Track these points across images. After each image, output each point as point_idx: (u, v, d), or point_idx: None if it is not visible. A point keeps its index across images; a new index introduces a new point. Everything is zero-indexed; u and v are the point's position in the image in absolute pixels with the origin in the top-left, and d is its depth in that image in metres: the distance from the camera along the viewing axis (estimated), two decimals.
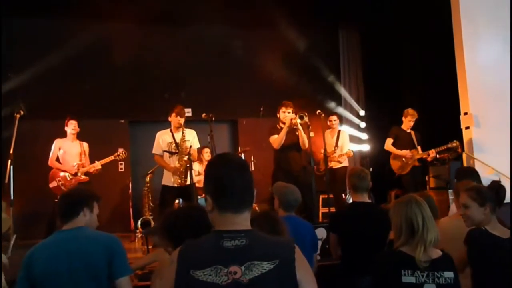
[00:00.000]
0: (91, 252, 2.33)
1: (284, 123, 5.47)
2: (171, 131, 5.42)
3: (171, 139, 5.35)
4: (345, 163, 6.69)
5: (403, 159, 6.31)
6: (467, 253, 2.52)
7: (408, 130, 6.42)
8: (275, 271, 1.40)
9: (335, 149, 6.69)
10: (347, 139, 6.85)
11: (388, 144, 6.43)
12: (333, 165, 6.57)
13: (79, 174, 5.89)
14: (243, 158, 1.49)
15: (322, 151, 5.79)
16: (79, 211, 2.47)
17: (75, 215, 2.46)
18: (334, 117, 6.91)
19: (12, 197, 5.00)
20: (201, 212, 2.12)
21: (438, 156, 6.50)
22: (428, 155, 6.15)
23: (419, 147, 6.35)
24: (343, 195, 6.63)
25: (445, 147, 6.10)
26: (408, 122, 6.37)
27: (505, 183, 5.69)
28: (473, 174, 3.81)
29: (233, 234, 1.44)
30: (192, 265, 1.39)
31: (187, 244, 1.48)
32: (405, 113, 6.42)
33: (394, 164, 6.41)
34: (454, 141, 6.03)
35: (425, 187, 6.50)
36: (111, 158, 6.04)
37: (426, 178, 6.70)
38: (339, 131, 6.90)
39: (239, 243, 1.43)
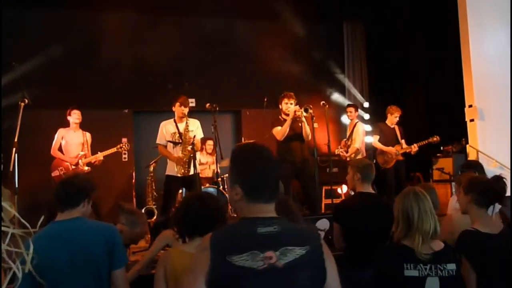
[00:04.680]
0: (92, 243, 2.30)
1: (286, 115, 5.42)
2: (174, 121, 5.41)
3: (174, 129, 5.35)
4: (358, 157, 6.59)
5: (388, 154, 6.50)
6: (464, 255, 2.41)
7: (392, 126, 6.66)
8: (307, 256, 1.46)
9: (347, 142, 6.82)
10: (360, 131, 6.80)
11: (375, 141, 6.70)
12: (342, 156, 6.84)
13: (80, 163, 5.89)
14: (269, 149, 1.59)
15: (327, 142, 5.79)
16: (80, 202, 2.41)
17: (75, 205, 2.39)
18: (350, 109, 6.97)
19: (16, 185, 5.02)
20: (217, 202, 2.33)
21: (442, 150, 6.58)
22: (411, 149, 6.40)
23: (403, 141, 6.63)
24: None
25: (426, 142, 6.36)
26: (393, 118, 6.65)
27: (507, 176, 5.74)
28: (476, 166, 3.81)
29: (266, 221, 1.49)
30: (228, 251, 1.42)
31: (219, 231, 1.52)
32: (390, 110, 6.67)
33: (379, 159, 6.61)
34: (435, 136, 6.30)
35: (407, 180, 6.69)
36: (114, 150, 6.02)
37: (430, 171, 6.73)
38: (356, 123, 6.89)
39: (272, 230, 1.47)
